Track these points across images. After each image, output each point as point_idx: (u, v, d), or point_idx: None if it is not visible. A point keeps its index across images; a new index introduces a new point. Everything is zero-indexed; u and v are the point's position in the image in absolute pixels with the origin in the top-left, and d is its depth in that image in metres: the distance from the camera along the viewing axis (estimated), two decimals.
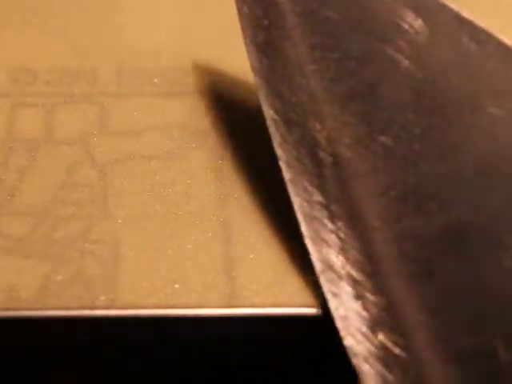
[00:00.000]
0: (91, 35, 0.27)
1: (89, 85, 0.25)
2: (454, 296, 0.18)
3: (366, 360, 0.18)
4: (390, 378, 0.18)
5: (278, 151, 0.21)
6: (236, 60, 0.26)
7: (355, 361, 0.18)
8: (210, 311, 0.20)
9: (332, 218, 0.20)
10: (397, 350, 0.18)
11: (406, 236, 0.19)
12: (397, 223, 0.19)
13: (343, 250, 0.19)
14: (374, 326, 0.18)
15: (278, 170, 0.21)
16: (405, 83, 0.21)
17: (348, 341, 0.18)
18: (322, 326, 0.20)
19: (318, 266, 0.19)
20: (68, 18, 0.27)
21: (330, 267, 0.19)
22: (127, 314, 0.20)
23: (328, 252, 0.19)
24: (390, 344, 0.18)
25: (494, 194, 0.19)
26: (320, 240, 0.19)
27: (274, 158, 0.23)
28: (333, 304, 0.19)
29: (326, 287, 0.19)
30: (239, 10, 0.22)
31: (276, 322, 0.20)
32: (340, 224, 0.19)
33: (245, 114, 0.24)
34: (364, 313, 0.19)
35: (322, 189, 0.20)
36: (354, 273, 0.19)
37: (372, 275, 0.19)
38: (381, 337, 0.18)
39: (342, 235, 0.19)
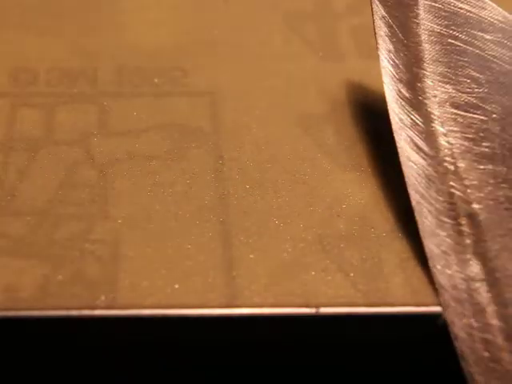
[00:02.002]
0: (91, 35, 0.27)
1: (89, 85, 0.25)
2: None
3: None
4: None
5: (416, 206, 0.21)
6: (236, 59, 0.26)
7: None
8: (210, 311, 0.20)
9: (467, 279, 0.20)
10: None
11: None
12: None
13: (481, 312, 0.19)
14: None
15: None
16: None
17: None
18: (321, 325, 0.20)
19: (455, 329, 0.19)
20: (68, 18, 0.27)
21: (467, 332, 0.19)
22: (127, 314, 0.20)
23: (466, 314, 0.19)
24: None
25: None
26: (453, 299, 0.20)
27: (274, 158, 0.23)
28: (469, 367, 0.19)
29: (461, 350, 0.19)
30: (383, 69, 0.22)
31: (276, 322, 0.20)
32: (477, 285, 0.20)
33: (247, 113, 0.24)
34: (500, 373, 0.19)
35: (459, 245, 0.20)
36: (490, 336, 0.19)
37: (509, 339, 0.19)
38: None
39: (479, 297, 0.19)
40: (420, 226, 0.20)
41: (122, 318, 0.20)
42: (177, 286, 0.20)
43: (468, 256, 0.20)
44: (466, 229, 0.20)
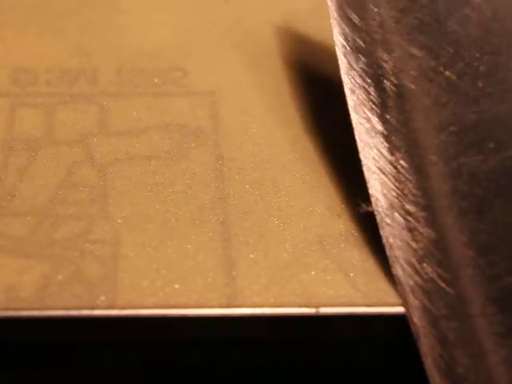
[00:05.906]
0: (91, 35, 0.27)
1: (89, 85, 0.25)
2: (502, 235, 0.19)
3: (411, 290, 0.19)
4: (434, 311, 0.18)
5: (344, 78, 0.21)
6: (236, 60, 0.26)
7: (401, 290, 0.19)
8: (210, 311, 0.20)
9: (391, 148, 0.20)
10: (442, 284, 0.18)
11: (462, 173, 0.19)
12: (454, 159, 0.19)
13: (399, 181, 0.20)
14: (422, 258, 0.19)
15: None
16: (474, 19, 0.21)
17: (396, 270, 0.19)
18: (321, 325, 0.20)
19: (373, 194, 0.20)
20: (68, 18, 0.27)
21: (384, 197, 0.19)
22: (127, 314, 0.20)
23: (384, 182, 0.20)
24: (436, 277, 0.19)
25: None
26: (377, 169, 0.20)
27: (274, 158, 0.23)
28: (384, 233, 0.19)
29: (379, 216, 0.19)
30: None
31: (276, 322, 0.20)
32: (398, 155, 0.20)
33: (247, 113, 0.24)
34: (414, 244, 0.19)
35: (383, 119, 0.20)
36: (408, 204, 0.19)
37: (425, 208, 0.19)
38: (428, 269, 0.19)
39: (399, 166, 0.20)
40: (348, 100, 0.20)
41: (121, 318, 0.20)
42: (177, 286, 0.20)
43: (391, 128, 0.20)
44: (391, 100, 0.20)
